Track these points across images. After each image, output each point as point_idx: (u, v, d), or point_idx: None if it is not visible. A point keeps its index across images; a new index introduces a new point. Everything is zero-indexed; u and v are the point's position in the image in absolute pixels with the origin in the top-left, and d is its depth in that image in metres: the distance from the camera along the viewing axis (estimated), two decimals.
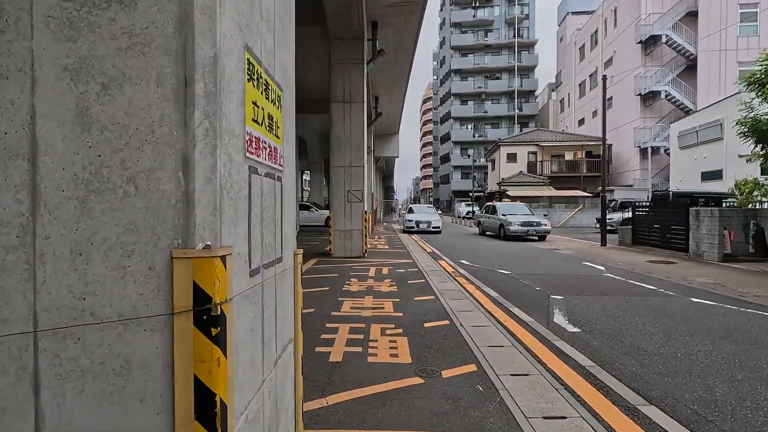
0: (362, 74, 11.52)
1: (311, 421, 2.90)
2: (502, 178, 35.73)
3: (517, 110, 56.44)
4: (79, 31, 1.11)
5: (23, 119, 1.08)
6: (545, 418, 2.96)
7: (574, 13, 46.67)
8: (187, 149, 1.13)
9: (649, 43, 31.06)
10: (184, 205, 1.13)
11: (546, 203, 29.98)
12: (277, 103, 1.81)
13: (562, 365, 3.97)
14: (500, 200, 25.89)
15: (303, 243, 15.43)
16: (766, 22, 25.98)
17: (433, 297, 6.69)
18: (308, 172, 35.27)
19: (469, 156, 55.75)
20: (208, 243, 1.15)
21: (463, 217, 37.36)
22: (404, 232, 21.94)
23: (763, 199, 12.12)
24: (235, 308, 1.29)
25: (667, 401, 3.27)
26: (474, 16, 59.09)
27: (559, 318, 5.64)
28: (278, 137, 1.82)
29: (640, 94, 31.41)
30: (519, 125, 55.50)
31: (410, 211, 23.99)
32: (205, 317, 1.10)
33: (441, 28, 70.78)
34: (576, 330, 5.12)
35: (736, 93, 19.78)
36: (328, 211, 13.97)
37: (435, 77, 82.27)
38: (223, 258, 1.15)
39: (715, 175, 21.37)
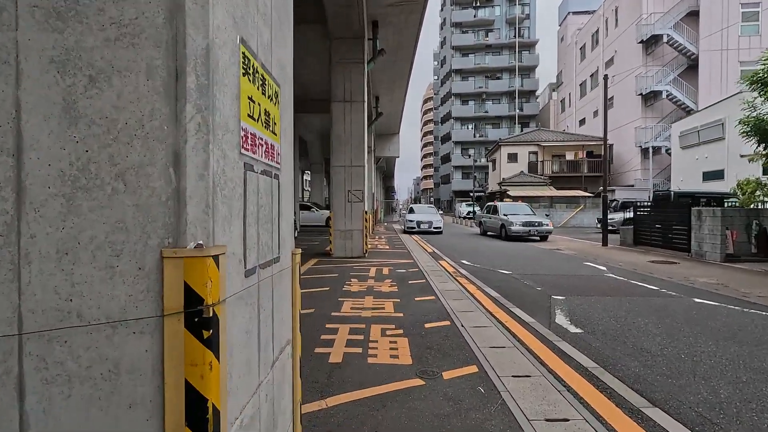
0: (363, 74, 11.48)
1: (310, 424, 2.86)
2: (503, 178, 35.67)
3: (517, 110, 56.38)
4: (66, 22, 1.06)
5: (8, 113, 1.04)
6: (547, 420, 2.92)
7: (574, 13, 46.62)
8: (178, 144, 1.09)
9: (650, 42, 31.00)
10: (174, 202, 1.09)
11: (547, 203, 29.92)
12: (274, 99, 1.77)
13: (564, 366, 3.93)
14: (501, 200, 25.85)
15: (303, 243, 15.40)
16: None
17: (433, 297, 6.65)
18: (309, 172, 35.25)
19: (469, 156, 55.76)
20: (200, 242, 1.10)
21: (464, 217, 37.29)
22: (405, 232, 21.78)
23: (766, 198, 12.06)
24: (229, 310, 1.24)
25: (671, 403, 3.22)
26: (475, 16, 59.06)
27: (560, 319, 5.59)
28: (275, 134, 1.77)
29: (641, 94, 31.34)
30: (520, 125, 55.45)
31: (411, 211, 23.81)
32: (196, 319, 1.06)
33: (441, 28, 70.77)
34: (578, 331, 5.07)
35: (738, 93, 19.73)
36: (328, 211, 13.93)
37: (435, 77, 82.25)
38: (215, 258, 1.10)
39: (717, 175, 21.30)
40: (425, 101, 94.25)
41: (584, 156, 35.84)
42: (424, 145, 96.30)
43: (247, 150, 1.41)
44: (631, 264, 10.75)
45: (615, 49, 35.19)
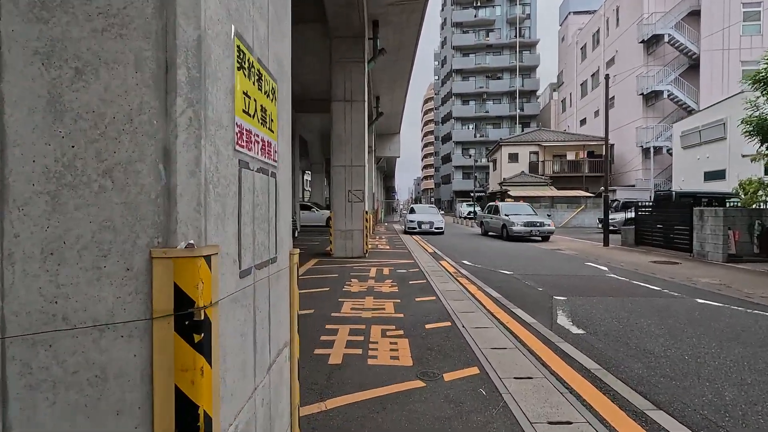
0: (363, 73, 11.44)
1: (309, 426, 2.81)
2: (504, 178, 35.62)
3: (518, 110, 56.31)
4: (52, 12, 1.02)
5: None
6: (550, 423, 2.87)
7: (575, 12, 46.57)
8: (168, 140, 1.04)
9: (652, 42, 30.93)
10: (164, 200, 1.04)
11: (548, 203, 29.86)
12: (271, 95, 1.72)
13: (567, 368, 3.88)
14: (502, 200, 25.78)
15: (304, 243, 15.36)
16: None
17: (434, 298, 6.60)
18: (309, 172, 35.24)
19: (470, 156, 55.72)
20: (191, 242, 1.06)
21: (465, 218, 37.23)
22: (406, 233, 21.58)
23: None
24: (223, 312, 1.20)
25: (676, 405, 3.17)
26: (475, 16, 59.00)
27: (562, 319, 5.54)
28: (272, 131, 1.73)
29: (642, 94, 31.27)
30: (520, 125, 55.37)
31: (412, 211, 23.57)
32: (187, 322, 1.01)
33: (442, 28, 70.74)
34: (580, 332, 5.02)
35: (739, 92, 19.67)
36: (329, 211, 13.88)
37: (436, 77, 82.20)
38: (207, 258, 1.06)
39: (718, 175, 21.24)
40: (426, 101, 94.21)
41: (585, 156, 35.78)
42: (425, 145, 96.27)
43: (242, 147, 1.37)
44: (632, 264, 10.70)
45: (616, 48, 35.13)
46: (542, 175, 35.84)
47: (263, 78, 1.60)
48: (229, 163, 1.27)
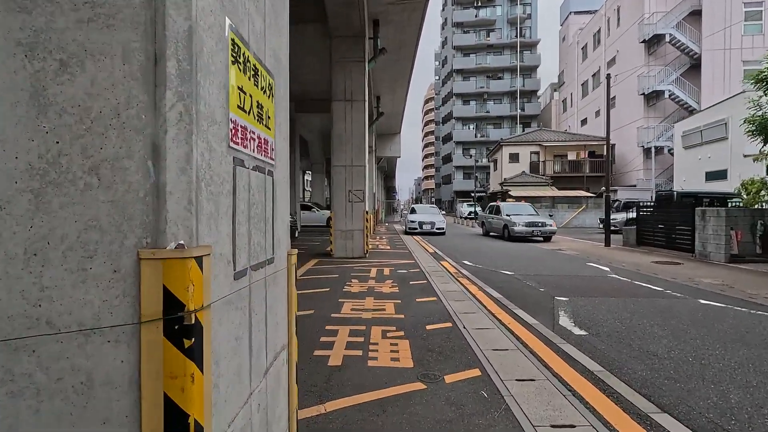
0: (363, 73, 11.39)
1: (308, 430, 2.77)
2: (505, 178, 35.56)
3: (519, 110, 56.23)
4: (35, 1, 0.97)
5: None
6: (553, 426, 2.83)
7: (576, 12, 46.51)
8: (157, 135, 1.00)
9: (653, 42, 30.86)
10: (153, 198, 1.00)
11: (549, 203, 29.79)
12: (268, 91, 1.67)
13: (569, 370, 3.83)
14: (503, 200, 25.72)
15: (304, 243, 15.32)
16: None
17: (435, 298, 6.55)
18: (309, 172, 35.20)
19: (471, 156, 55.66)
20: (181, 242, 1.01)
21: (465, 218, 37.15)
22: (407, 233, 21.40)
23: None
24: (216, 315, 1.15)
25: (681, 408, 3.12)
26: (476, 16, 58.95)
27: (564, 320, 5.49)
28: (269, 128, 1.68)
29: (643, 94, 31.20)
30: (521, 125, 55.30)
31: (413, 211, 23.38)
32: (176, 327, 0.97)
33: (443, 28, 70.70)
34: (582, 333, 4.97)
35: (741, 92, 19.62)
36: (329, 211, 13.83)
37: (437, 77, 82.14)
38: (198, 259, 1.01)
39: (720, 175, 21.17)
40: (426, 101, 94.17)
41: (586, 156, 35.71)
42: (426, 146, 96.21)
43: (236, 144, 1.32)
44: (634, 264, 10.64)
45: (617, 48, 35.06)
46: (543, 176, 35.79)
47: (260, 73, 1.56)
48: (222, 161, 1.22)
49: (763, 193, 11.72)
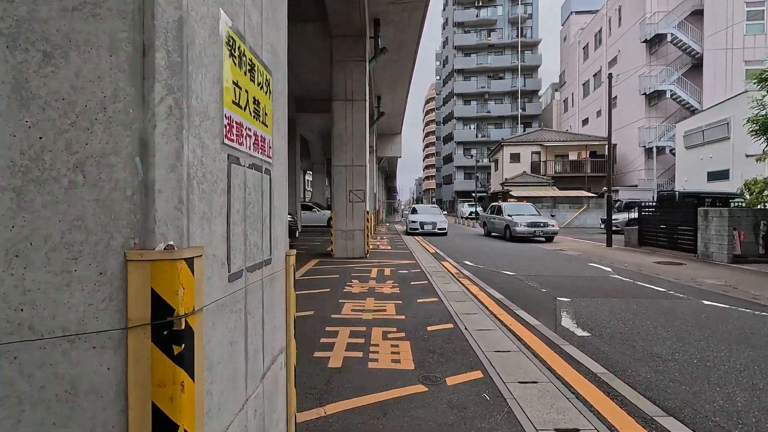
0: (364, 72, 11.34)
1: None
2: (506, 179, 35.50)
3: (520, 110, 56.15)
4: None
5: None
6: (557, 430, 2.78)
7: (577, 12, 46.47)
8: (145, 130, 0.95)
9: (654, 42, 30.78)
10: (141, 197, 0.95)
11: (550, 203, 29.72)
12: (265, 87, 1.62)
13: (573, 372, 3.78)
14: (505, 200, 25.65)
15: (305, 243, 15.29)
16: None
17: (436, 299, 6.50)
18: (310, 172, 35.17)
19: (472, 156, 55.62)
20: (171, 243, 0.96)
21: (466, 218, 37.07)
22: (408, 233, 21.18)
23: None
24: (209, 319, 1.10)
25: (686, 412, 3.07)
26: (477, 16, 58.90)
27: (566, 321, 5.44)
28: (266, 125, 1.63)
29: (645, 94, 31.13)
30: (522, 125, 55.21)
31: (414, 211, 23.14)
32: (165, 332, 0.92)
33: (444, 28, 70.65)
34: (585, 334, 4.92)
35: (743, 92, 19.56)
36: (330, 212, 13.79)
37: (438, 77, 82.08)
38: (189, 261, 0.96)
39: (722, 175, 21.11)
40: (427, 101, 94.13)
41: (587, 156, 35.65)
42: (426, 146, 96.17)
43: (231, 140, 1.27)
44: (636, 265, 10.59)
45: (618, 48, 34.99)
46: (544, 176, 35.73)
47: (256, 68, 1.51)
48: (216, 158, 1.17)
49: (766, 193, 11.66)
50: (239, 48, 1.33)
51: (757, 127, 10.51)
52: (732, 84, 25.65)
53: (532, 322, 5.30)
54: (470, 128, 58.80)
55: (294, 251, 2.04)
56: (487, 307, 6.00)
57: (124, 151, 0.94)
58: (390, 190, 64.19)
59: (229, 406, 1.24)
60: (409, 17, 12.08)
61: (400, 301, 6.29)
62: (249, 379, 1.43)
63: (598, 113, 38.26)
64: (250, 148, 1.44)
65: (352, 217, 11.38)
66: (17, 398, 0.91)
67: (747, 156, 18.26)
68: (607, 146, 16.71)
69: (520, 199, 26.44)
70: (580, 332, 4.99)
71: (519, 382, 3.52)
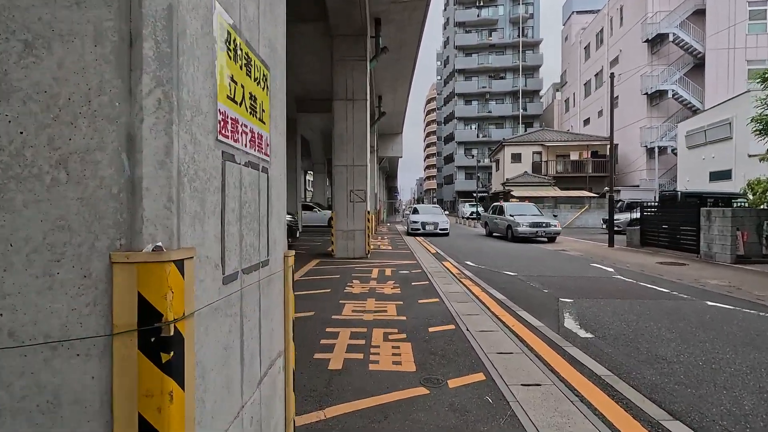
0: (365, 71, 11.29)
1: None
2: (507, 179, 35.43)
3: (521, 110, 56.04)
4: None
5: None
6: None
7: (579, 12, 46.37)
8: (132, 124, 0.89)
9: (656, 41, 30.67)
10: (128, 195, 0.89)
11: (551, 204, 29.65)
12: (262, 83, 1.57)
13: (576, 374, 3.72)
14: (506, 200, 25.57)
15: (305, 243, 15.24)
16: None
17: (437, 300, 6.45)
18: (311, 172, 35.14)
19: (473, 156, 55.52)
20: (159, 244, 0.91)
21: (467, 218, 36.98)
22: (409, 234, 20.88)
23: None
24: (202, 324, 1.05)
25: (693, 416, 3.01)
26: (478, 16, 58.80)
27: (569, 322, 5.38)
28: (264, 122, 1.58)
29: (646, 94, 31.00)
30: (523, 125, 55.10)
31: (415, 211, 22.85)
32: (153, 339, 0.86)
33: (445, 28, 70.56)
34: (588, 335, 4.86)
35: (746, 92, 19.47)
36: (331, 212, 13.74)
37: (438, 77, 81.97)
38: (179, 263, 0.91)
39: (724, 175, 21.01)
40: (428, 101, 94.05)
41: (589, 156, 35.56)
42: (427, 146, 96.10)
43: (226, 137, 1.22)
44: (638, 265, 10.52)
45: (620, 48, 34.87)
46: (545, 176, 35.65)
47: (252, 63, 1.45)
48: (209, 155, 1.11)
49: None
50: (234, 41, 1.28)
51: (761, 127, 10.44)
52: (734, 84, 25.55)
53: (534, 324, 5.25)
54: (471, 128, 58.70)
55: (292, 252, 1.99)
56: (488, 308, 5.94)
57: (109, 147, 0.89)
58: (391, 190, 64.13)
59: (224, 415, 1.19)
60: (410, 16, 12.03)
61: (401, 302, 6.24)
62: (245, 385, 1.37)
63: (600, 113, 38.17)
64: (246, 146, 1.38)
65: (352, 217, 11.33)
66: None
67: (749, 156, 18.18)
68: (608, 146, 16.64)
69: (521, 199, 26.37)
70: (583, 334, 4.93)
71: (522, 385, 3.46)
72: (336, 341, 4.50)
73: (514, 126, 56.26)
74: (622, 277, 8.79)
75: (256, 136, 1.48)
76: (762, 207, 11.53)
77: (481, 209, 36.25)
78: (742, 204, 13.19)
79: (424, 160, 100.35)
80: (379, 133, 26.88)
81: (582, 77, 42.85)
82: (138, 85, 0.89)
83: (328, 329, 4.92)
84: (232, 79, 1.26)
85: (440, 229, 20.31)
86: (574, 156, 36.56)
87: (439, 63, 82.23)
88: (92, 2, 0.89)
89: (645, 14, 30.79)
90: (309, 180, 41.53)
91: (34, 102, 0.87)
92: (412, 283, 7.76)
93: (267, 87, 1.63)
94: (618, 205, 22.15)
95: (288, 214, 15.78)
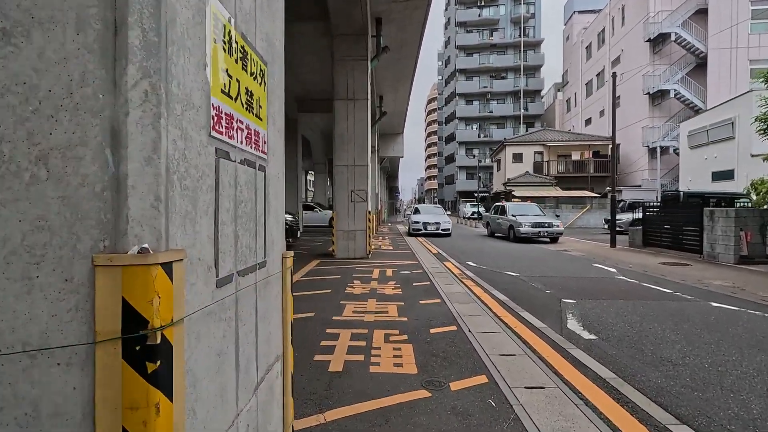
0: (366, 71, 11.23)
1: None
2: (508, 179, 35.35)
3: (522, 110, 55.95)
4: None
5: None
6: None
7: (580, 12, 46.27)
8: (117, 118, 0.84)
9: (658, 41, 30.58)
10: (112, 194, 0.84)
11: (552, 204, 29.56)
12: (259, 78, 1.52)
13: (580, 377, 3.66)
14: (507, 200, 25.49)
15: (306, 243, 15.19)
16: None
17: (439, 300, 6.39)
18: (312, 172, 35.10)
19: (474, 156, 55.45)
20: (145, 246, 0.85)
21: (468, 218, 36.88)
22: (410, 235, 20.59)
23: None
24: (193, 329, 0.99)
25: (700, 420, 2.95)
26: (479, 16, 58.73)
27: (572, 323, 5.32)
28: (260, 119, 1.53)
29: (648, 93, 30.91)
30: (525, 125, 55.01)
31: (416, 211, 22.46)
32: (138, 347, 0.81)
33: (446, 28, 70.49)
34: (592, 337, 4.80)
35: (749, 91, 19.38)
36: (331, 212, 13.70)
37: (440, 77, 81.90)
38: (167, 266, 0.85)
39: (727, 175, 20.92)
40: (429, 101, 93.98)
41: (590, 156, 35.48)
42: (428, 146, 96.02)
43: (220, 133, 1.16)
44: (641, 266, 10.45)
45: (622, 47, 34.78)
46: (547, 176, 35.58)
47: (249, 57, 1.40)
48: (202, 151, 1.06)
49: None
50: (229, 33, 1.22)
51: (765, 126, 10.37)
52: (736, 83, 25.45)
53: (537, 325, 5.19)
54: (472, 128, 58.62)
55: (291, 253, 1.94)
56: (490, 309, 5.88)
57: (93, 142, 0.84)
58: (392, 190, 64.07)
59: (217, 424, 1.14)
60: (411, 15, 11.97)
61: (402, 303, 6.19)
62: (240, 392, 1.32)
63: (601, 113, 38.08)
64: (242, 143, 1.33)
65: (353, 217, 11.28)
66: None
67: (752, 156, 18.09)
68: (610, 146, 16.57)
69: (523, 199, 26.29)
70: (586, 335, 4.87)
71: (525, 388, 3.40)
72: (336, 342, 4.45)
73: (515, 126, 56.17)
74: (624, 278, 8.73)
75: (252, 132, 1.43)
76: (765, 207, 11.45)
77: (482, 209, 36.18)
78: (745, 204, 13.12)
79: (425, 160, 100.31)
80: (380, 133, 26.83)
81: (583, 77, 42.75)
82: (123, 76, 0.84)
83: (328, 330, 4.86)
84: (226, 73, 1.20)
85: (442, 230, 20.07)
86: (575, 156, 36.48)
87: (440, 63, 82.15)
88: None
89: (647, 14, 30.70)
90: (310, 180, 41.49)
91: (12, 94, 0.82)
92: (414, 284, 7.71)
93: (264, 83, 1.57)
94: (620, 205, 22.08)
95: (289, 213, 15.72)
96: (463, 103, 58.92)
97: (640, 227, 15.11)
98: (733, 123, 20.36)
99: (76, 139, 0.83)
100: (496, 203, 22.80)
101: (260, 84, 1.52)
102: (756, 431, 2.81)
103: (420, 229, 20.14)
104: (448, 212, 39.62)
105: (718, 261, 10.90)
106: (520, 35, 57.26)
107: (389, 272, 8.99)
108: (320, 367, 3.79)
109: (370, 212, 11.71)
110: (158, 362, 0.82)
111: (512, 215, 18.26)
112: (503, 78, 57.57)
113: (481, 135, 57.59)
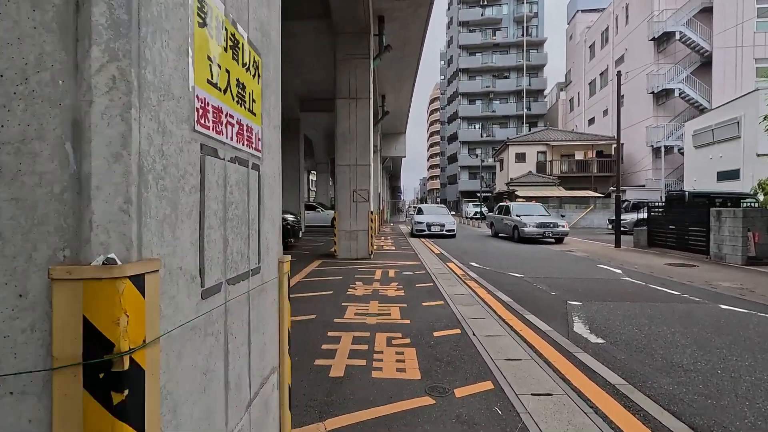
0: (368, 69, 11.12)
1: None
2: (511, 178, 35.20)
3: (525, 109, 55.75)
4: None
5: None
6: None
7: (583, 11, 46.06)
8: (79, 108, 0.73)
9: (662, 40, 30.38)
10: (74, 195, 0.73)
11: (556, 203, 29.39)
12: (252, 70, 1.40)
13: (589, 383, 3.54)
14: (510, 200, 25.33)
15: (308, 244, 15.10)
16: None
17: (442, 302, 6.27)
18: (314, 172, 35.03)
19: (476, 156, 55.30)
20: (112, 255, 0.74)
21: (471, 218, 36.72)
22: (413, 235, 19.96)
23: None
24: (173, 348, 0.88)
25: (716, 430, 2.83)
26: (482, 15, 58.52)
27: (579, 326, 5.20)
28: (254, 114, 1.41)
29: (652, 92, 30.73)
30: (528, 125, 54.84)
31: (419, 211, 21.81)
32: (101, 375, 0.70)
33: (448, 27, 70.33)
34: (599, 341, 4.68)
35: (754, 90, 19.19)
36: (334, 212, 13.61)
37: (442, 77, 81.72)
38: (137, 278, 0.74)
39: (732, 174, 20.72)
40: (432, 101, 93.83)
41: (594, 156, 35.29)
42: (431, 145, 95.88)
43: (205, 127, 1.05)
44: (647, 267, 10.31)
45: (625, 47, 34.59)
46: (550, 175, 35.42)
47: (240, 46, 1.29)
48: (184, 148, 0.95)
49: None
50: (216, 17, 1.11)
51: None
52: (742, 82, 25.26)
53: (542, 328, 5.07)
54: (475, 128, 58.45)
55: (288, 257, 1.82)
56: (495, 311, 5.76)
57: (51, 135, 0.72)
58: (394, 190, 63.94)
59: None
60: (414, 13, 11.85)
61: (405, 305, 6.07)
62: (231, 411, 1.21)
63: (605, 112, 37.88)
64: (232, 139, 1.22)
65: (355, 217, 11.17)
66: None
67: (758, 155, 17.91)
68: (614, 145, 16.41)
69: (527, 198, 26.13)
70: (593, 339, 4.75)
71: (532, 394, 3.29)
72: (338, 346, 4.34)
73: (518, 125, 55.99)
74: (630, 279, 8.59)
75: (244, 128, 1.32)
76: None
77: (485, 209, 36.01)
78: (752, 204, 12.96)
79: (428, 160, 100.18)
80: (382, 132, 26.71)
81: (587, 76, 42.56)
82: (86, 59, 0.73)
83: (329, 333, 4.76)
84: (212, 61, 1.09)
85: (446, 230, 19.42)
86: (579, 156, 36.30)
87: (442, 62, 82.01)
88: None
89: (651, 12, 30.52)
90: (312, 180, 41.43)
91: None
92: (416, 285, 7.59)
93: (259, 75, 1.46)
94: (624, 205, 21.92)
95: (291, 214, 15.60)
96: (466, 103, 58.75)
97: (645, 227, 14.95)
98: (738, 122, 20.17)
99: (32, 131, 0.72)
100: (501, 203, 22.59)
101: (254, 76, 1.41)
102: None
103: (423, 230, 19.44)
104: (452, 212, 39.37)
105: (726, 262, 10.75)
106: (522, 34, 57.06)
107: (392, 273, 8.88)
108: (321, 372, 3.69)
109: (372, 212, 11.59)
110: (125, 391, 0.71)
111: (517, 215, 18.05)
112: (506, 77, 57.39)
113: (484, 135, 57.42)
